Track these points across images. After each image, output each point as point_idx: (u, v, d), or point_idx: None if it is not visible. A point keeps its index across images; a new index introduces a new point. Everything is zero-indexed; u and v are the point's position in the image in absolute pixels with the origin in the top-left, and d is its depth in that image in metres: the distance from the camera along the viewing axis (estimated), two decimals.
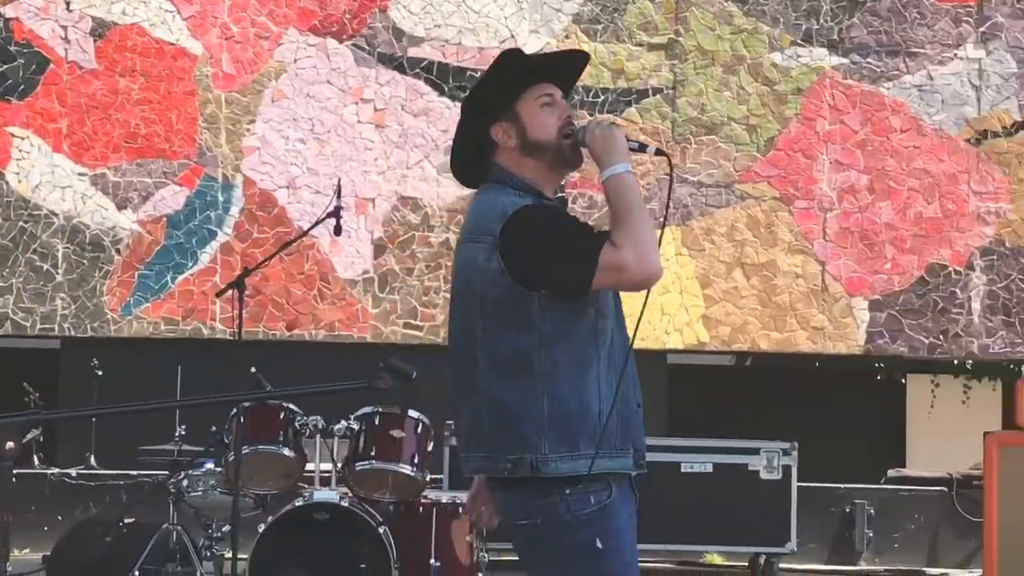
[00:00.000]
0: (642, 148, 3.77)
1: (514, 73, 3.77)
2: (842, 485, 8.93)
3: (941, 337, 10.29)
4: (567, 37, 10.06)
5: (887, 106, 10.39)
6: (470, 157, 3.81)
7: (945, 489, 8.80)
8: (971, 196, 10.29)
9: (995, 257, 10.24)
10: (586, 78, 10.09)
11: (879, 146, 10.37)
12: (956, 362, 11.45)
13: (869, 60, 10.36)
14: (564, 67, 3.92)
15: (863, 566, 8.75)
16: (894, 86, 10.39)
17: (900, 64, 10.38)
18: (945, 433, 11.90)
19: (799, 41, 10.31)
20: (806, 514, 8.65)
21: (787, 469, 8.55)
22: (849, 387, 12.40)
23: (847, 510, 8.81)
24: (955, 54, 10.34)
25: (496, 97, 3.74)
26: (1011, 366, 10.87)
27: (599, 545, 3.59)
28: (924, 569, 8.69)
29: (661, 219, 4.07)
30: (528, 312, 3.60)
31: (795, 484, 8.49)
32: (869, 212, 10.32)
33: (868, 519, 8.76)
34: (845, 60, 10.35)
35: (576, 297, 3.61)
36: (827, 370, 11.74)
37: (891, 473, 9.31)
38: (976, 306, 10.24)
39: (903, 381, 12.57)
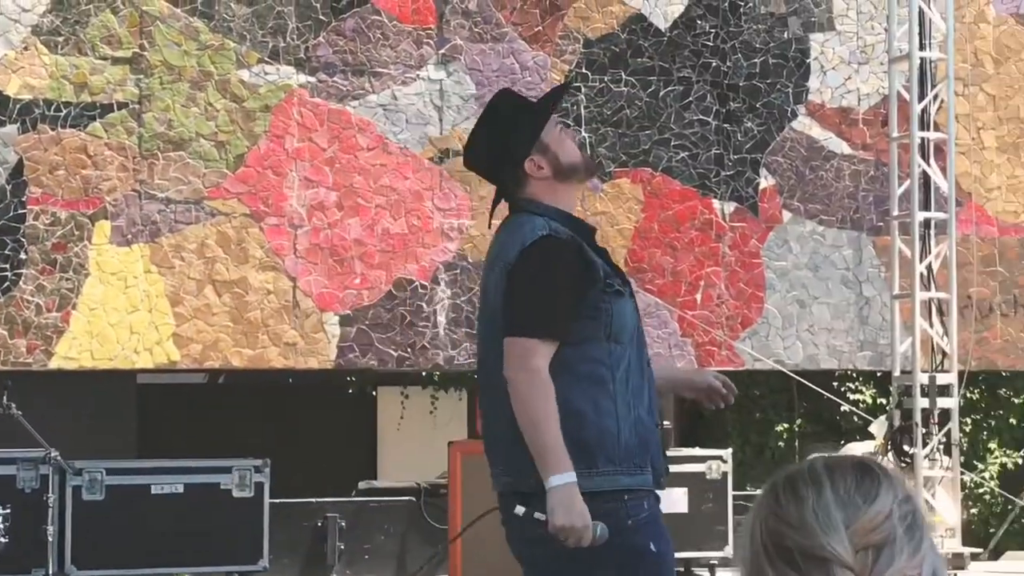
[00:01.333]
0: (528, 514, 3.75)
1: (530, 109, 4.01)
2: (314, 500, 8.99)
3: (409, 350, 10.54)
4: (26, 48, 9.68)
5: (354, 124, 10.57)
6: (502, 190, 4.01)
7: (413, 499, 9.00)
8: (435, 212, 10.61)
9: (458, 272, 10.60)
10: (47, 91, 9.75)
11: (347, 163, 10.53)
12: (424, 374, 11.77)
13: (335, 79, 10.50)
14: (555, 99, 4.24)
15: None
16: (360, 105, 10.58)
17: (366, 83, 10.58)
18: (415, 444, 12.21)
19: (266, 59, 10.33)
20: (279, 530, 8.65)
21: (260, 486, 8.54)
22: (323, 402, 12.52)
23: (319, 524, 8.87)
24: (417, 75, 10.63)
25: (522, 135, 3.89)
26: (475, 376, 11.26)
27: (653, 549, 3.70)
28: None
29: None
30: None
31: (267, 501, 8.49)
32: (338, 228, 10.46)
33: (340, 532, 8.85)
34: (312, 78, 10.45)
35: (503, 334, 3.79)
36: (300, 385, 11.82)
37: (361, 485, 9.46)
38: (441, 319, 10.56)
39: (374, 394, 12.80)
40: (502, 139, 3.92)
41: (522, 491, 3.78)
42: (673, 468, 8.55)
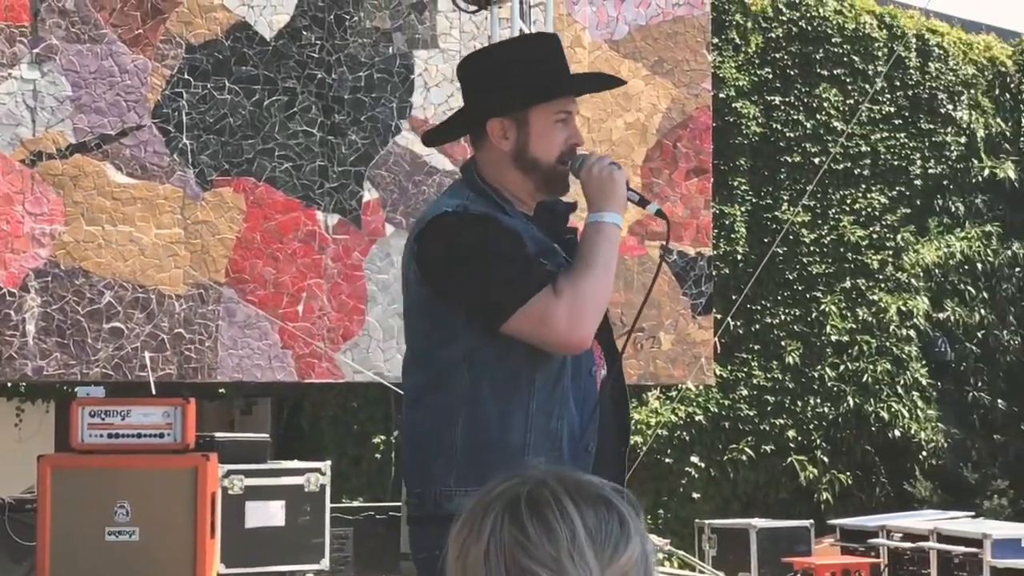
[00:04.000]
0: (643, 203, 3.23)
1: (546, 75, 3.15)
2: None
3: None
4: None
5: None
6: (453, 125, 3.26)
7: None
8: (26, 217, 10.19)
9: (49, 279, 10.21)
10: None
11: None
12: (9, 385, 11.30)
13: None
14: (590, 84, 3.48)
15: None
16: None
17: None
18: None
19: None
20: None
21: None
22: None
23: None
24: (9, 73, 10.21)
25: (513, 92, 3.11)
26: (65, 388, 10.89)
27: None
28: None
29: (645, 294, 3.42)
30: (452, 321, 3.04)
31: None
32: None
33: None
34: None
35: (486, 332, 3.00)
36: None
37: None
38: (31, 328, 10.15)
39: None
40: (496, 76, 3.16)
41: (414, 515, 3.13)
42: (270, 481, 8.52)
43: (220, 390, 12.13)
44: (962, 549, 9.43)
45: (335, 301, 10.81)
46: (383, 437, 12.77)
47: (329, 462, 8.92)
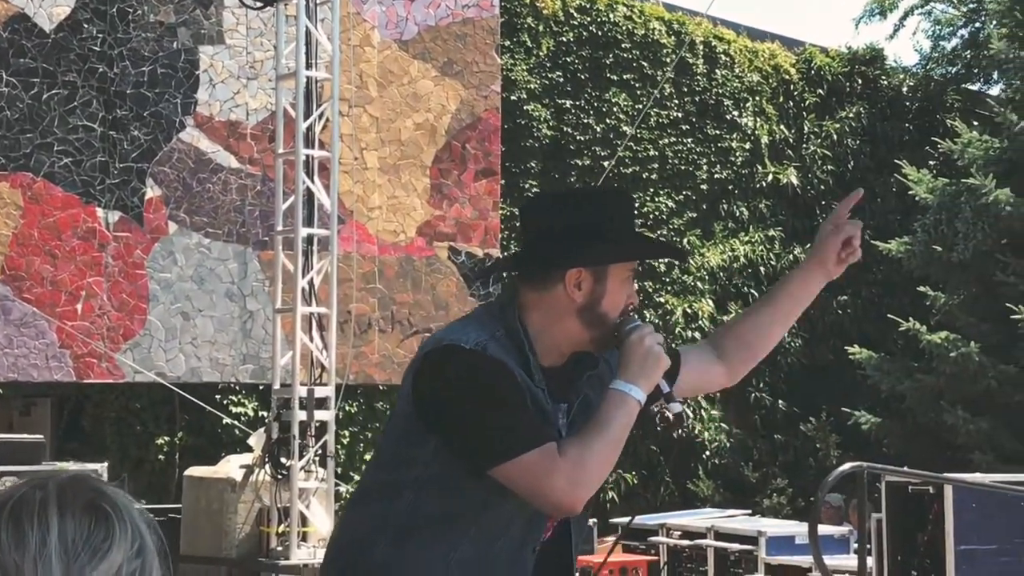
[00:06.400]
0: (668, 398, 3.02)
1: (633, 234, 3.16)
2: None
3: None
4: None
5: None
6: (527, 256, 3.10)
7: None
8: None
9: None
10: None
11: None
12: None
13: None
14: (669, 251, 3.30)
15: None
16: None
17: None
18: None
19: None
20: None
21: None
22: None
23: None
24: None
25: (607, 246, 3.01)
26: None
27: None
28: None
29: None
30: (420, 444, 2.94)
31: None
32: None
33: None
34: None
35: (469, 473, 2.90)
36: None
37: None
38: None
39: None
40: (586, 225, 3.03)
41: None
42: None
43: None
44: (738, 546, 9.64)
45: (115, 300, 10.60)
46: (167, 438, 12.56)
47: (106, 464, 8.76)
